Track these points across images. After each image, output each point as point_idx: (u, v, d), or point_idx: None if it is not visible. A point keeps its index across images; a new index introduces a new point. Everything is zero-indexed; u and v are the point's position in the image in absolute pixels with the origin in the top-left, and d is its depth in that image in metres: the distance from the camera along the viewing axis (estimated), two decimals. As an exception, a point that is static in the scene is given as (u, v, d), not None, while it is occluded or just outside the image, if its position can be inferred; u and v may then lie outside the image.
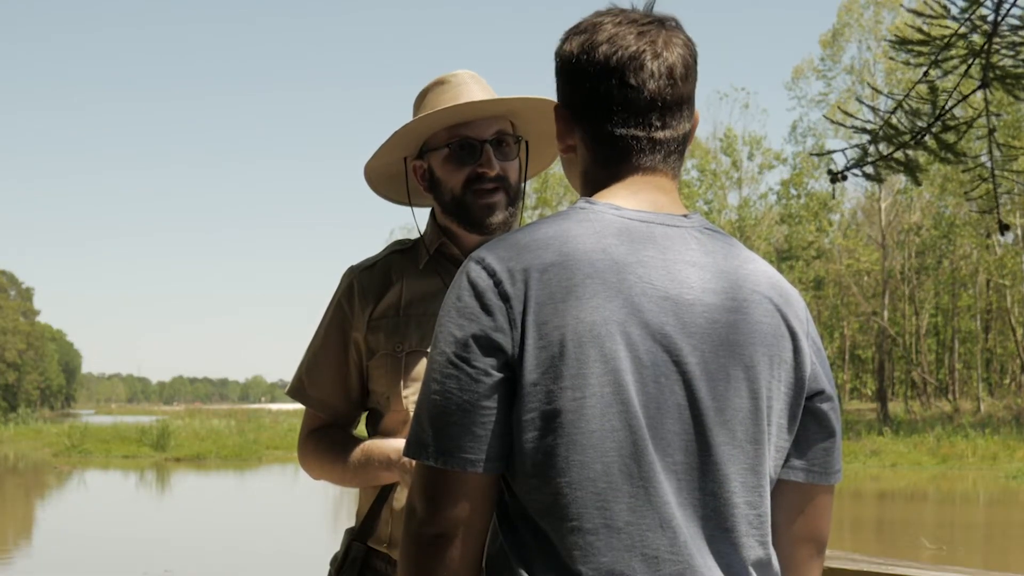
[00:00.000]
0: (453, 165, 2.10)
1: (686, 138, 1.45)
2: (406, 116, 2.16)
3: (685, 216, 1.41)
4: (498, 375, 1.30)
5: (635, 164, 1.41)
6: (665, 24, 1.43)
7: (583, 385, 1.28)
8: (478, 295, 1.32)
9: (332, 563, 2.18)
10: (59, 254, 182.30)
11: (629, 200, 1.39)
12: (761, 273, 1.41)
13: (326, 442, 2.17)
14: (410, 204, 2.25)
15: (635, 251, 1.34)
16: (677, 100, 1.42)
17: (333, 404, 2.19)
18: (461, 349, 1.31)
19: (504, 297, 1.31)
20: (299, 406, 2.26)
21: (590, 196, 1.42)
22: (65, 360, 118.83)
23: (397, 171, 2.22)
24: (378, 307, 2.13)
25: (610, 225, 1.35)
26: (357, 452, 2.09)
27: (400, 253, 2.20)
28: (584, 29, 1.43)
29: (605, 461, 1.28)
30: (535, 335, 1.29)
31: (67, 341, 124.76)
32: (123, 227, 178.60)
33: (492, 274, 1.32)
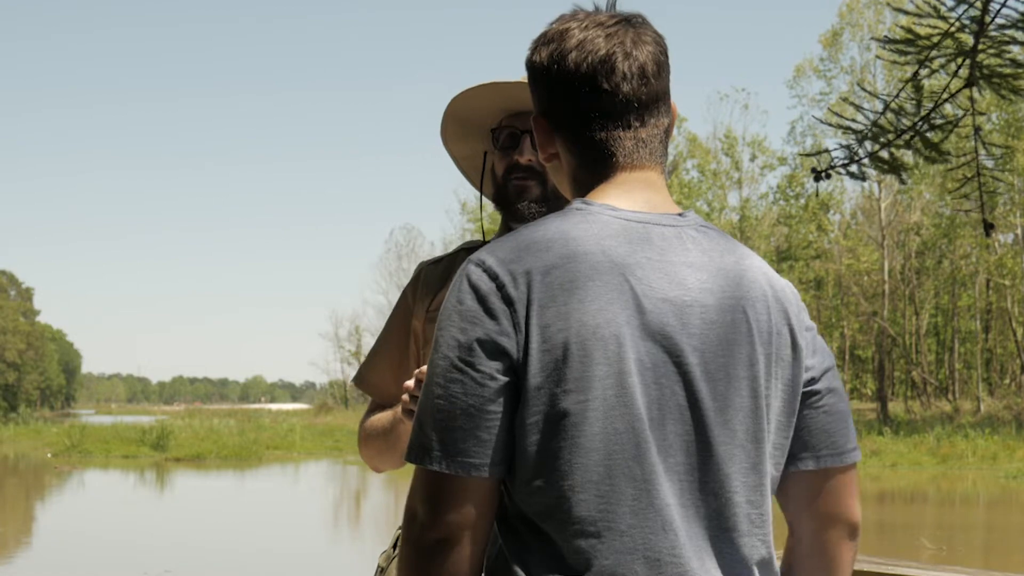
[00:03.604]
0: (500, 154, 2.16)
1: (667, 132, 1.45)
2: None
3: (680, 215, 1.41)
4: (503, 379, 1.30)
5: (621, 163, 1.41)
6: (632, 22, 1.42)
7: (587, 388, 1.28)
8: (481, 299, 1.31)
9: (381, 555, 2.22)
10: (59, 254, 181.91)
11: (623, 200, 1.39)
12: (757, 270, 1.41)
13: (370, 420, 2.23)
14: (481, 194, 2.30)
15: (633, 252, 1.34)
16: (652, 98, 1.42)
17: (388, 389, 2.24)
18: (465, 353, 1.30)
19: (508, 300, 1.30)
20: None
21: (583, 198, 1.41)
22: (65, 360, 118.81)
23: (479, 164, 2.28)
24: (435, 299, 2.20)
25: (608, 226, 1.35)
26: (387, 414, 2.16)
27: (467, 251, 2.26)
28: (552, 38, 1.43)
29: (608, 464, 1.28)
30: (538, 338, 1.29)
31: (67, 341, 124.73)
32: (123, 227, 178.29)
33: (494, 277, 1.31)
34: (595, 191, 1.41)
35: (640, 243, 1.35)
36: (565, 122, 1.43)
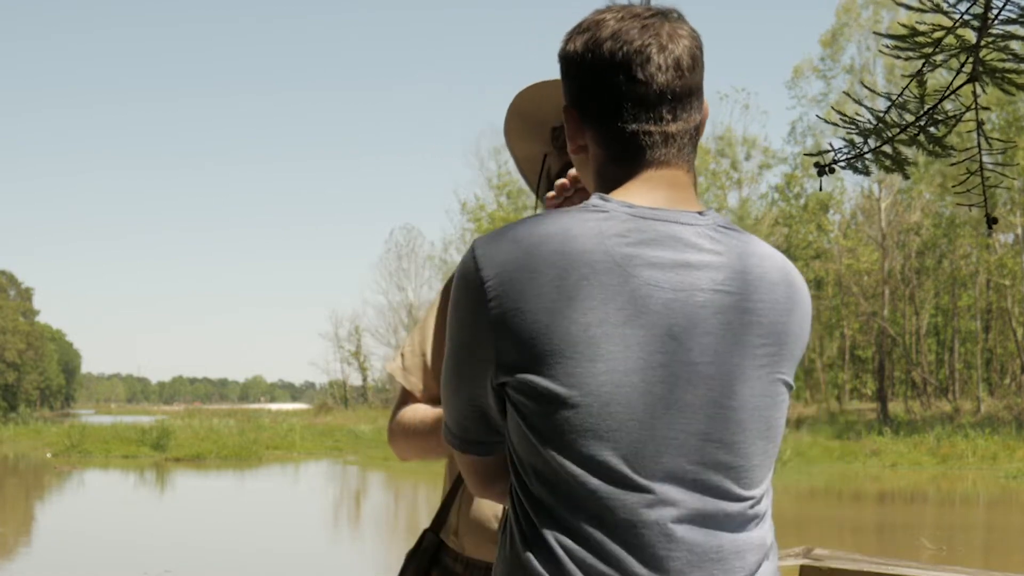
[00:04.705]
0: (557, 153, 2.14)
1: (697, 129, 1.44)
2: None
3: (700, 213, 1.39)
4: (496, 375, 1.32)
5: (649, 159, 1.40)
6: (668, 16, 1.42)
7: (578, 384, 1.28)
8: (471, 292, 1.32)
9: (407, 554, 2.21)
10: (59, 254, 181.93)
11: (644, 197, 1.38)
12: (775, 270, 1.41)
13: (411, 415, 2.21)
14: (537, 197, 2.26)
15: (642, 250, 1.32)
16: (686, 92, 1.41)
17: (427, 383, 2.21)
18: (463, 345, 1.34)
19: (496, 297, 1.30)
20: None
21: (605, 194, 1.40)
22: (65, 360, 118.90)
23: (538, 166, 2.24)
24: None
25: (619, 223, 1.34)
26: (435, 412, 2.14)
27: None
28: (587, 28, 1.42)
29: (603, 463, 1.29)
30: (527, 336, 1.29)
31: (67, 341, 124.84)
32: (123, 227, 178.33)
33: (481, 269, 1.32)
34: (619, 188, 1.40)
35: (652, 241, 1.34)
36: (596, 112, 1.42)
